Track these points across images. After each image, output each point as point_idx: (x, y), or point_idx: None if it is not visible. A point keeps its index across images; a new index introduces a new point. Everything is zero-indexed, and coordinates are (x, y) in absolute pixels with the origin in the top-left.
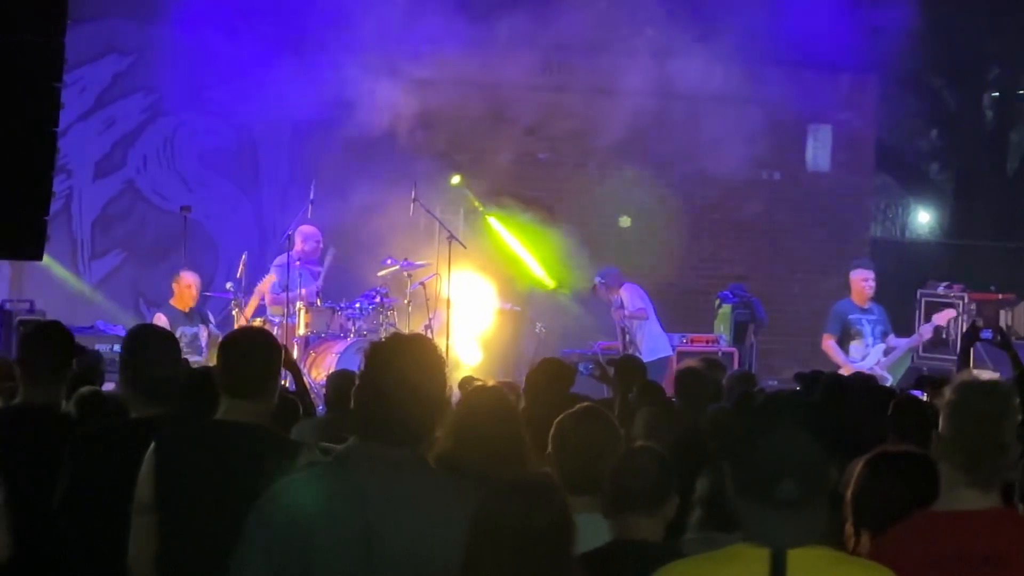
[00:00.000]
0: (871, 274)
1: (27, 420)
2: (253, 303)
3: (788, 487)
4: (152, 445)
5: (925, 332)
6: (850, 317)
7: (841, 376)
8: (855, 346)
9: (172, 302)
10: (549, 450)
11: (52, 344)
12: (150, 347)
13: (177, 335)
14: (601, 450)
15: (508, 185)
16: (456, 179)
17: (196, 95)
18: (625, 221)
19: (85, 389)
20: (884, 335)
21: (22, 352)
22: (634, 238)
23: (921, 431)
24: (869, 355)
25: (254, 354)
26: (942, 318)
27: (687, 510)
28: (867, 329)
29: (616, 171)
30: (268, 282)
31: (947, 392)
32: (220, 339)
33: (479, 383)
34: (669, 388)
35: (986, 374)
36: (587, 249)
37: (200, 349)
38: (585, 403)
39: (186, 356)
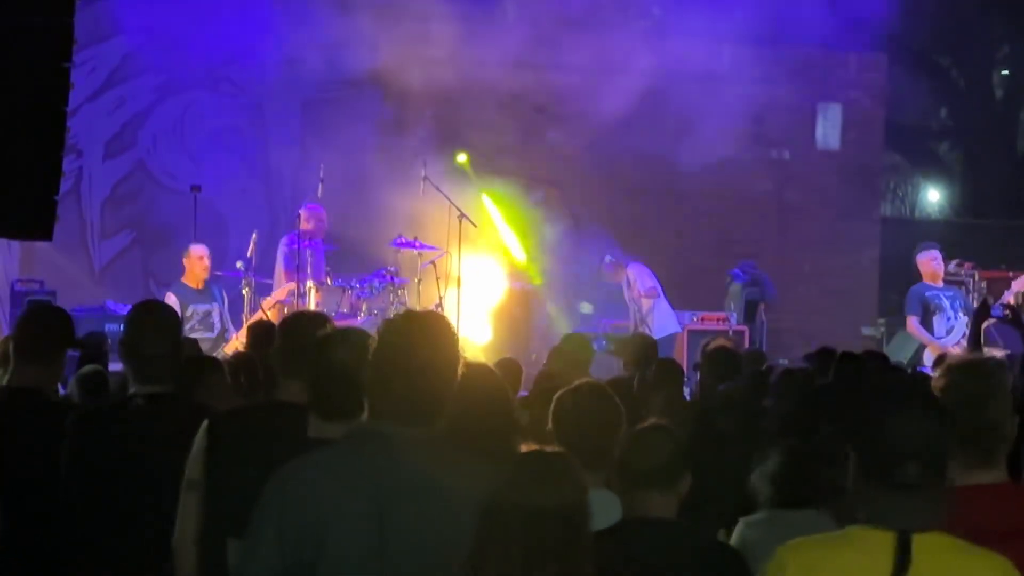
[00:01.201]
0: (938, 253)
1: (17, 402)
2: (273, 300)
3: (914, 470)
4: (205, 423)
5: (1006, 299)
6: (927, 294)
7: (854, 354)
8: (937, 321)
9: (184, 279)
10: (549, 426)
11: (47, 326)
12: (146, 324)
13: (188, 312)
14: (602, 425)
15: (516, 164)
16: (462, 157)
17: (206, 75)
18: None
19: (86, 368)
20: (966, 311)
21: (16, 333)
22: (644, 217)
23: None
24: (954, 328)
25: (308, 336)
26: (1020, 284)
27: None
28: (946, 303)
29: (626, 150)
30: (286, 291)
31: (936, 374)
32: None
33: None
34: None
35: (997, 352)
36: (596, 228)
37: (212, 326)
38: (586, 379)
39: (198, 333)
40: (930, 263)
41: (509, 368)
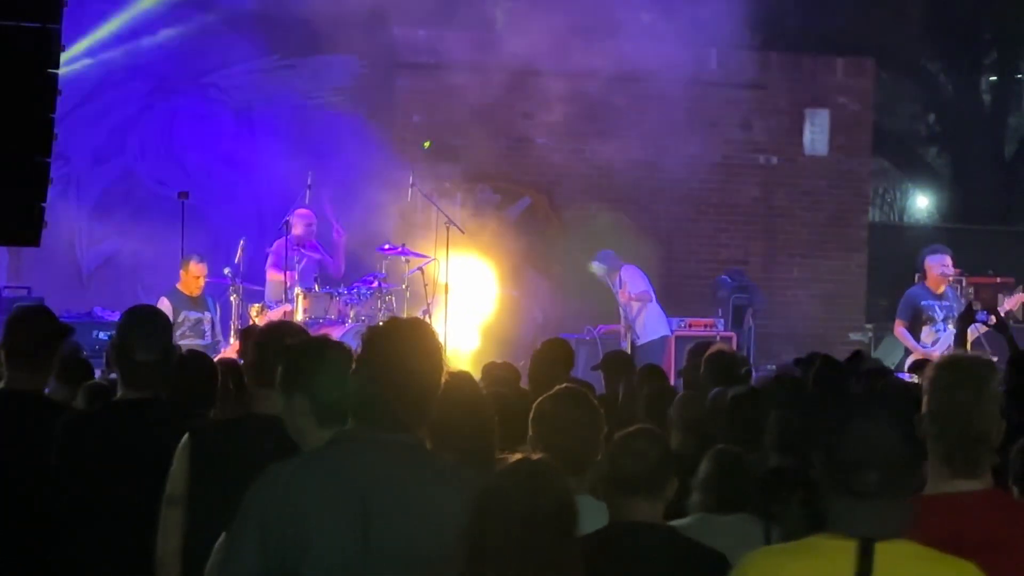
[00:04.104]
0: (947, 259)
1: (9, 405)
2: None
3: (872, 478)
4: (186, 437)
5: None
6: (922, 303)
7: (834, 359)
8: (926, 331)
9: (179, 286)
10: (531, 433)
11: (34, 328)
12: (137, 330)
13: (180, 318)
14: (582, 431)
15: (504, 170)
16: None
17: (194, 81)
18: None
19: (95, 381)
20: (955, 322)
21: (4, 336)
22: (632, 223)
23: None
24: (940, 340)
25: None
26: (1013, 303)
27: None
28: (939, 315)
29: (613, 155)
30: (281, 312)
31: (925, 375)
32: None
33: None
34: (667, 367)
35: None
36: (585, 234)
37: (203, 333)
38: (565, 384)
39: (188, 339)
40: (939, 267)
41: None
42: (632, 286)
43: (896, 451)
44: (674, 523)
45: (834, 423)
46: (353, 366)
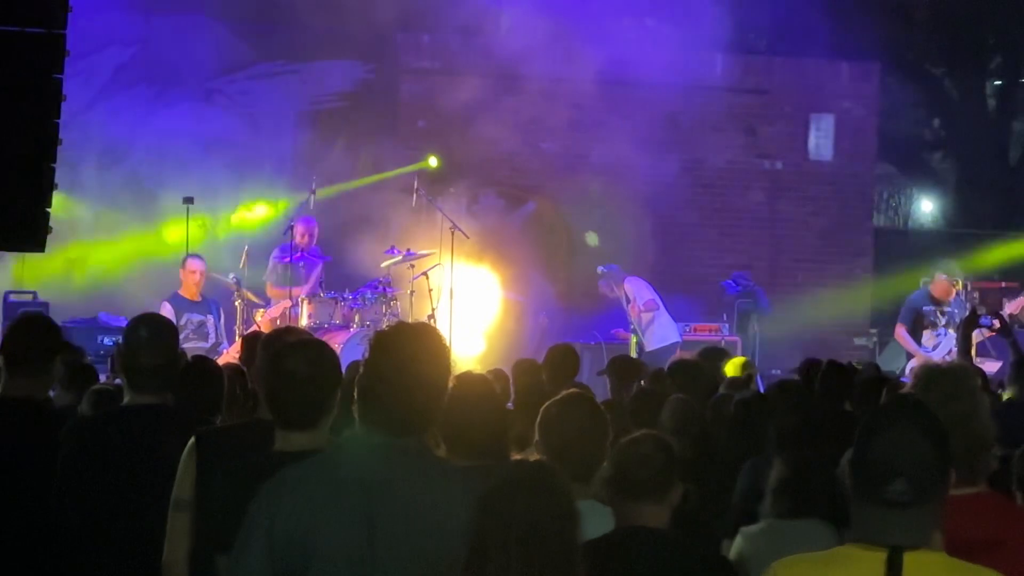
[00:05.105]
0: (955, 290)
1: (8, 412)
2: (268, 318)
3: (901, 487)
4: (192, 441)
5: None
6: (924, 308)
7: (840, 364)
8: (927, 335)
9: (180, 291)
10: (536, 438)
11: (34, 335)
12: (144, 336)
13: (183, 321)
14: (588, 436)
15: (508, 175)
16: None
17: (199, 86)
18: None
19: (100, 385)
20: (956, 327)
21: (5, 343)
22: (636, 229)
23: None
24: (941, 344)
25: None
26: (1015, 306)
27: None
28: (940, 319)
29: (619, 160)
30: (281, 308)
31: (913, 387)
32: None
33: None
34: None
35: (991, 364)
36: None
37: (206, 335)
38: (571, 390)
39: (192, 342)
40: (948, 285)
41: (498, 377)
42: (639, 297)
43: (926, 460)
44: (745, 529)
45: (865, 431)
46: (360, 370)
